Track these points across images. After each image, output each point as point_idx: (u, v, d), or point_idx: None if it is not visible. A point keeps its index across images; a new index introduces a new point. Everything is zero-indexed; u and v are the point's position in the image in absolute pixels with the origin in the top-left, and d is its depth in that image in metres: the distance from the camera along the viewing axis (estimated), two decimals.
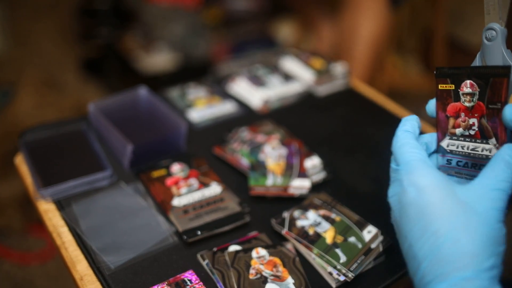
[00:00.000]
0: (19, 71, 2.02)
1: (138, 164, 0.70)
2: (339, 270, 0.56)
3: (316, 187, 0.68)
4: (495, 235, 0.41)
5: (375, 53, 1.55)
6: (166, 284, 0.54)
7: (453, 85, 0.49)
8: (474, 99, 0.48)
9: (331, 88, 0.91)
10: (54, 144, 0.74)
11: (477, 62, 0.52)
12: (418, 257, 0.43)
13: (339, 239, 0.59)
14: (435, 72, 0.50)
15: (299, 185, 0.67)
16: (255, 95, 0.85)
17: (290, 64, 0.94)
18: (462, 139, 0.49)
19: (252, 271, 0.55)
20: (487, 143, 0.48)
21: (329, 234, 0.60)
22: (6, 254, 1.37)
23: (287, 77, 0.91)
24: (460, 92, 0.49)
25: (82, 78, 2.03)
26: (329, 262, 0.57)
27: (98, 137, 0.76)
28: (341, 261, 0.57)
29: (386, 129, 0.82)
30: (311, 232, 0.60)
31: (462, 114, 0.49)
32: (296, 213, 0.63)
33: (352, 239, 0.60)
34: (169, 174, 0.69)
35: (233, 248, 0.58)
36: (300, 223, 0.62)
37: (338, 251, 0.58)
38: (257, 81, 0.89)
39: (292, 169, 0.70)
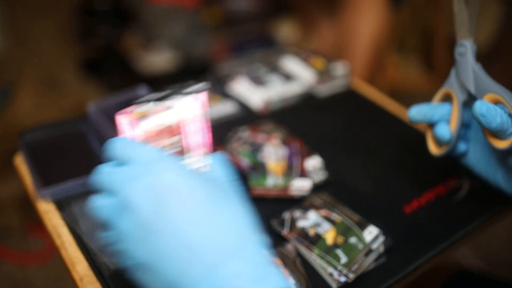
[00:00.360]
0: (18, 71, 2.02)
1: None
2: (340, 271, 0.56)
3: (316, 188, 0.68)
4: (250, 214, 0.42)
5: (376, 52, 1.55)
6: None
7: (145, 111, 0.47)
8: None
9: (332, 88, 0.91)
10: (54, 144, 0.74)
11: (452, 75, 0.57)
12: (192, 244, 0.38)
13: (340, 239, 0.59)
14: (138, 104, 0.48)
15: (300, 186, 0.67)
16: (255, 95, 0.85)
17: (291, 63, 0.94)
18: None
19: None
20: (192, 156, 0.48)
21: (330, 234, 0.60)
22: (6, 254, 1.37)
23: (288, 76, 0.91)
24: (153, 118, 0.47)
25: (82, 78, 2.03)
26: (330, 263, 0.56)
27: (98, 137, 0.76)
28: (342, 262, 0.56)
29: (387, 129, 0.82)
30: (311, 232, 0.60)
31: (164, 135, 0.47)
32: (297, 213, 0.63)
33: (353, 239, 0.59)
34: None
35: None
36: (300, 223, 0.61)
37: (339, 251, 0.58)
38: (258, 81, 0.88)
39: (292, 169, 0.70)
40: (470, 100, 0.57)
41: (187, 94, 0.47)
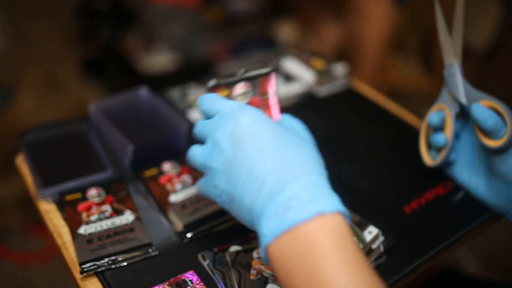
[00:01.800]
0: (19, 71, 2.02)
1: (139, 164, 0.70)
2: None
3: None
4: (318, 155, 0.48)
5: (383, 53, 1.55)
6: (167, 285, 0.54)
7: (228, 91, 0.55)
8: (248, 96, 0.56)
9: (331, 88, 0.91)
10: (55, 144, 0.74)
11: (443, 92, 0.66)
12: (262, 175, 0.45)
13: None
14: (212, 88, 0.56)
15: None
16: None
17: (291, 64, 0.94)
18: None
19: (253, 272, 0.55)
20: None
21: None
22: (6, 254, 1.37)
23: (288, 77, 0.91)
24: (234, 96, 0.56)
25: (82, 78, 2.03)
26: None
27: (99, 137, 0.76)
28: None
29: (387, 130, 0.82)
30: None
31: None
32: None
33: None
34: (161, 173, 0.69)
35: (234, 248, 0.58)
36: None
37: None
38: None
39: None
40: (461, 115, 0.66)
41: (257, 75, 0.56)
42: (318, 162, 0.47)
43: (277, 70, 0.56)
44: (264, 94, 0.57)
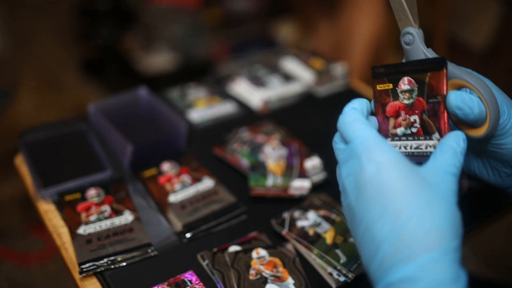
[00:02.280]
0: (19, 71, 2.02)
1: (138, 164, 0.70)
2: (339, 271, 0.56)
3: (316, 188, 0.68)
4: (457, 217, 0.40)
5: (374, 51, 1.55)
6: (166, 285, 0.54)
7: (391, 84, 0.48)
8: (413, 96, 0.47)
9: (331, 88, 0.91)
10: (54, 144, 0.74)
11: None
12: (376, 239, 0.39)
13: (339, 239, 0.59)
14: (371, 72, 0.49)
15: (299, 186, 0.67)
16: (255, 96, 0.85)
17: (290, 64, 0.94)
18: (405, 138, 0.47)
19: (252, 272, 0.55)
20: (430, 138, 0.46)
21: (329, 234, 0.60)
22: (6, 254, 1.37)
23: (287, 77, 0.91)
24: (398, 90, 0.48)
25: (82, 79, 2.03)
26: (329, 262, 0.57)
27: (98, 137, 0.76)
28: (341, 261, 0.57)
29: None
30: (311, 232, 0.60)
31: (402, 113, 0.47)
32: (296, 213, 0.63)
33: (352, 239, 0.59)
34: (160, 173, 0.69)
35: (233, 248, 0.58)
36: (300, 223, 0.61)
37: (338, 251, 0.58)
38: (257, 82, 0.88)
39: (292, 169, 0.70)
40: None
41: (426, 70, 0.47)
42: (449, 231, 0.38)
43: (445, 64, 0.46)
44: (432, 95, 0.46)
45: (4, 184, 1.52)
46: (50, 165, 0.70)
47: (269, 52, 1.98)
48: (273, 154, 0.72)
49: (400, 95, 0.48)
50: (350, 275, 0.55)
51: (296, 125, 0.81)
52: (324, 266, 0.57)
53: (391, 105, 0.48)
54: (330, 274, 0.56)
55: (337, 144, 0.47)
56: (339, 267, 0.56)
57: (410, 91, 0.47)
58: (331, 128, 0.82)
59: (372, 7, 1.51)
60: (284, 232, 0.61)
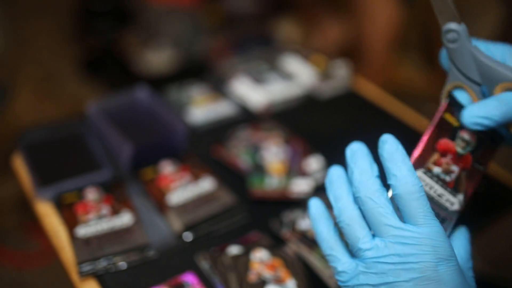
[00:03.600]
0: (17, 70, 2.02)
1: (137, 164, 0.69)
2: None
3: (317, 188, 0.67)
4: None
5: (388, 53, 1.55)
6: (166, 286, 0.54)
7: (458, 123, 0.46)
8: (467, 149, 0.46)
9: (333, 87, 0.90)
10: (53, 144, 0.74)
11: (453, 69, 0.47)
12: None
13: None
14: (449, 96, 0.46)
15: (300, 186, 0.66)
16: (255, 94, 0.85)
17: (291, 61, 0.93)
18: (436, 179, 0.45)
19: (252, 273, 0.55)
20: (454, 196, 0.45)
21: None
22: (3, 255, 1.36)
23: (288, 75, 0.90)
24: (459, 134, 0.46)
25: (81, 78, 2.03)
26: None
27: (97, 137, 0.75)
28: None
29: (388, 130, 0.81)
30: (312, 233, 0.60)
31: (449, 157, 0.45)
32: (297, 214, 0.62)
33: None
34: (159, 173, 0.68)
35: (233, 249, 0.58)
36: (301, 224, 0.61)
37: None
38: (258, 80, 0.88)
39: (293, 169, 0.69)
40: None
41: (486, 134, 0.46)
42: None
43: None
44: (478, 161, 0.46)
45: (1, 185, 1.52)
46: (48, 165, 0.69)
47: (270, 49, 1.98)
48: (274, 153, 0.72)
49: (458, 139, 0.46)
50: None
51: (297, 124, 0.80)
52: (324, 268, 0.56)
53: (445, 143, 0.45)
54: (331, 276, 0.55)
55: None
56: None
57: (467, 143, 0.46)
58: (333, 127, 0.82)
59: (381, 7, 1.50)
60: (285, 233, 0.60)
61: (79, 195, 0.64)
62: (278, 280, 0.54)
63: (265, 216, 0.63)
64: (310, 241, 0.59)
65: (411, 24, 1.92)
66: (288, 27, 2.12)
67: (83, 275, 0.55)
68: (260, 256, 0.57)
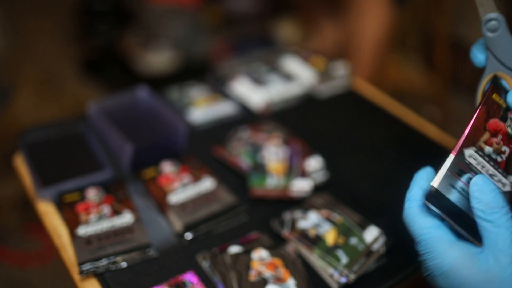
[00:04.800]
0: (18, 70, 2.02)
1: (138, 164, 0.69)
2: (340, 272, 0.55)
3: (317, 188, 0.68)
4: None
5: (379, 53, 1.55)
6: (166, 286, 0.54)
7: (505, 104, 0.46)
8: None
9: (332, 87, 0.91)
10: (54, 144, 0.74)
11: (492, 59, 0.49)
12: None
13: (341, 240, 0.59)
14: (493, 79, 0.46)
15: (300, 186, 0.66)
16: (255, 95, 0.85)
17: (291, 63, 0.93)
18: (487, 159, 0.45)
19: (252, 273, 0.55)
20: (506, 177, 0.45)
21: (330, 235, 0.60)
22: (5, 255, 1.36)
23: (288, 76, 0.90)
24: (509, 116, 0.46)
25: (81, 78, 2.03)
26: (331, 263, 0.56)
27: (98, 137, 0.75)
28: (343, 262, 0.56)
29: (388, 130, 0.82)
30: (312, 233, 0.60)
31: (500, 136, 0.45)
32: (297, 214, 0.63)
33: (353, 240, 0.59)
34: (160, 173, 0.68)
35: (234, 249, 0.58)
36: (301, 224, 0.61)
37: (339, 252, 0.57)
38: (258, 81, 0.88)
39: (293, 169, 0.69)
40: None
41: None
42: None
43: None
44: None
45: (2, 184, 1.52)
46: (50, 165, 0.70)
47: (270, 51, 1.98)
48: (274, 153, 0.72)
49: (508, 120, 0.46)
50: (351, 276, 0.55)
51: (297, 124, 0.81)
52: (325, 267, 0.56)
53: (496, 122, 0.46)
54: (331, 275, 0.56)
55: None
56: (340, 268, 0.56)
57: None
58: (333, 128, 0.82)
59: (377, 7, 1.50)
60: (285, 232, 0.60)
61: (80, 195, 0.64)
62: (278, 280, 0.54)
63: (265, 215, 0.63)
64: (310, 240, 0.59)
65: (410, 25, 1.92)
66: (287, 28, 2.12)
67: (84, 274, 0.55)
68: (260, 255, 0.57)
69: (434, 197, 0.43)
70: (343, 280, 0.55)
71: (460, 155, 0.44)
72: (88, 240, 0.58)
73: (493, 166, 0.45)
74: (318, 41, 1.83)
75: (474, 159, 0.44)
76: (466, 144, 0.44)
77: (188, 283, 0.54)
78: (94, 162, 0.70)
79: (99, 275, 0.56)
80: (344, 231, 0.60)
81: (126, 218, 0.61)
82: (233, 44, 2.03)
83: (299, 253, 0.59)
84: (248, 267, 0.56)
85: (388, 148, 0.77)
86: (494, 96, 0.46)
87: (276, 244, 0.59)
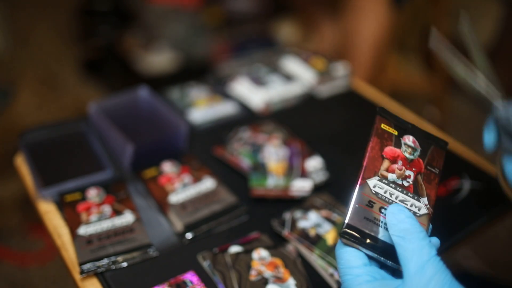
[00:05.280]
0: (19, 71, 2.02)
1: (139, 164, 0.69)
2: None
3: (317, 188, 0.68)
4: None
5: (377, 53, 1.55)
6: (167, 285, 0.54)
7: (396, 132, 0.47)
8: (415, 154, 0.47)
9: (332, 88, 0.91)
10: (54, 144, 0.74)
11: (505, 141, 0.50)
12: None
13: None
14: (377, 110, 0.48)
15: (300, 186, 0.67)
16: (256, 95, 0.85)
17: (291, 64, 0.94)
18: (393, 186, 0.45)
19: (253, 272, 0.55)
20: (418, 200, 0.45)
21: (330, 235, 0.60)
22: (6, 254, 1.37)
23: (288, 77, 0.91)
24: (402, 141, 0.47)
25: (82, 78, 2.03)
26: (331, 263, 0.56)
27: (99, 137, 0.76)
28: None
29: None
30: (312, 233, 0.60)
31: (400, 162, 0.46)
32: (297, 214, 0.63)
33: None
34: (160, 173, 0.68)
35: (234, 249, 0.58)
36: (301, 224, 0.61)
37: None
38: (258, 81, 0.88)
39: (293, 169, 0.69)
40: None
41: (431, 141, 0.48)
42: None
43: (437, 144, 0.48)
44: (431, 165, 0.47)
45: (3, 184, 1.52)
46: (51, 165, 0.70)
47: (270, 52, 1.98)
48: (274, 154, 0.72)
49: (403, 146, 0.47)
50: None
51: (297, 125, 0.81)
52: (325, 267, 0.56)
53: (392, 150, 0.47)
54: (331, 275, 0.56)
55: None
56: None
57: (413, 148, 0.47)
58: (333, 128, 0.82)
59: (376, 8, 1.51)
60: (285, 232, 0.61)
61: (81, 195, 0.65)
62: (279, 279, 0.55)
63: (266, 215, 0.64)
64: (310, 240, 0.59)
65: (410, 27, 1.92)
66: (287, 28, 2.12)
67: (85, 274, 0.55)
68: (260, 255, 0.57)
69: (349, 231, 0.43)
70: None
71: (364, 186, 0.45)
72: (89, 239, 0.58)
73: (401, 192, 0.45)
74: (318, 42, 1.84)
75: (380, 188, 0.45)
76: (367, 176, 0.45)
77: (188, 282, 0.54)
78: (95, 162, 0.70)
79: (100, 275, 0.56)
80: None
81: (126, 218, 0.61)
82: (233, 45, 2.03)
83: (299, 253, 0.59)
84: (248, 267, 0.56)
85: None
86: (383, 126, 0.47)
87: (276, 244, 0.59)
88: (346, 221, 0.43)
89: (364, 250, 0.43)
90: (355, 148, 0.77)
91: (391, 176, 0.45)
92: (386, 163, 0.46)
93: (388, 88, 1.66)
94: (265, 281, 0.54)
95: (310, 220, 0.62)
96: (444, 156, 0.47)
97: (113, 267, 0.56)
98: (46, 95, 1.93)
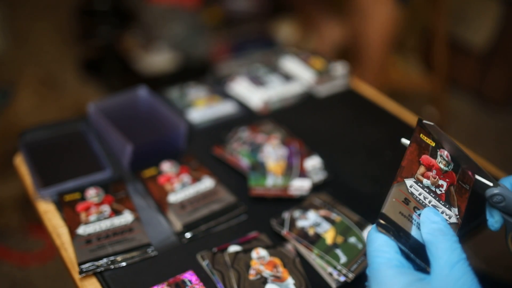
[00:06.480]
0: (18, 71, 2.02)
1: (138, 164, 0.69)
2: (339, 271, 0.56)
3: (316, 188, 0.68)
4: None
5: (385, 53, 1.55)
6: (166, 285, 0.54)
7: (434, 143, 0.49)
8: (449, 167, 0.49)
9: (331, 88, 0.91)
10: (54, 144, 0.74)
11: (508, 221, 0.51)
12: None
13: (340, 239, 0.59)
14: (418, 121, 0.49)
15: (299, 186, 0.67)
16: (255, 95, 0.85)
17: (290, 64, 0.94)
18: (427, 190, 0.47)
19: (252, 272, 0.55)
20: (449, 209, 0.47)
21: (329, 234, 0.60)
22: (6, 254, 1.37)
23: (287, 77, 0.91)
24: (439, 153, 0.49)
25: (81, 78, 2.03)
26: (329, 262, 0.57)
27: (98, 137, 0.76)
28: (341, 261, 0.56)
29: (387, 129, 0.82)
30: (311, 232, 0.60)
31: (434, 171, 0.48)
32: (296, 213, 0.63)
33: (352, 239, 0.59)
34: (159, 173, 0.69)
35: (233, 248, 0.58)
36: (300, 223, 0.61)
37: (338, 251, 0.58)
38: (257, 81, 0.88)
39: (292, 169, 0.70)
40: None
41: (466, 162, 0.49)
42: None
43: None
44: (463, 181, 0.49)
45: (3, 184, 1.52)
46: (50, 165, 0.70)
47: (269, 52, 1.98)
48: (273, 153, 0.72)
49: (438, 157, 0.48)
50: (350, 275, 0.55)
51: (296, 124, 0.81)
52: (324, 266, 0.57)
53: (428, 158, 0.48)
54: (330, 274, 0.56)
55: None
56: (339, 267, 0.56)
57: (447, 162, 0.49)
58: (332, 127, 0.82)
59: (382, 8, 1.51)
60: (284, 232, 0.61)
61: (80, 195, 0.65)
62: (278, 279, 0.55)
63: (265, 215, 0.64)
64: (309, 239, 0.59)
65: (409, 27, 1.93)
66: (287, 28, 2.12)
67: (84, 273, 0.55)
68: (259, 254, 0.57)
69: (383, 222, 0.44)
70: (342, 279, 0.55)
71: (402, 184, 0.46)
72: (88, 239, 0.59)
73: (434, 198, 0.47)
74: (317, 42, 1.84)
75: (416, 190, 0.47)
76: (405, 175, 0.47)
77: (187, 282, 0.54)
78: (94, 162, 0.70)
79: (99, 274, 0.56)
80: (343, 230, 0.61)
81: (125, 218, 0.62)
82: (232, 45, 2.03)
83: (298, 252, 0.59)
84: (247, 266, 0.56)
85: (386, 147, 0.78)
86: (422, 135, 0.49)
87: (275, 244, 0.60)
88: (383, 211, 0.45)
89: (397, 242, 0.44)
90: (354, 148, 0.78)
91: (426, 182, 0.47)
92: (422, 169, 0.48)
93: (387, 88, 1.66)
94: (264, 281, 0.54)
95: (309, 220, 0.62)
96: (473, 180, 0.49)
97: (112, 266, 0.56)
98: (46, 95, 1.93)
